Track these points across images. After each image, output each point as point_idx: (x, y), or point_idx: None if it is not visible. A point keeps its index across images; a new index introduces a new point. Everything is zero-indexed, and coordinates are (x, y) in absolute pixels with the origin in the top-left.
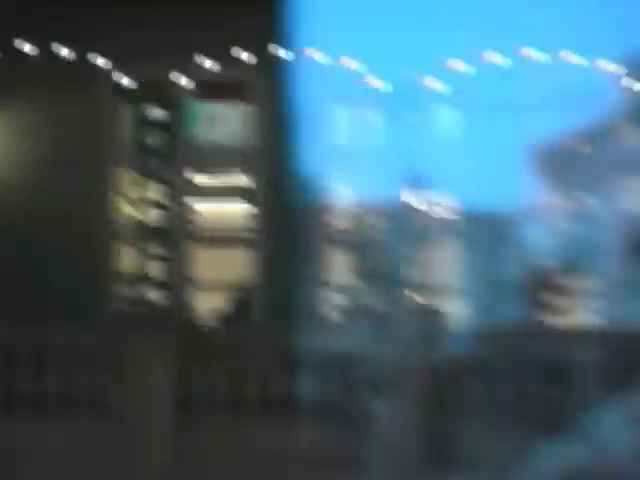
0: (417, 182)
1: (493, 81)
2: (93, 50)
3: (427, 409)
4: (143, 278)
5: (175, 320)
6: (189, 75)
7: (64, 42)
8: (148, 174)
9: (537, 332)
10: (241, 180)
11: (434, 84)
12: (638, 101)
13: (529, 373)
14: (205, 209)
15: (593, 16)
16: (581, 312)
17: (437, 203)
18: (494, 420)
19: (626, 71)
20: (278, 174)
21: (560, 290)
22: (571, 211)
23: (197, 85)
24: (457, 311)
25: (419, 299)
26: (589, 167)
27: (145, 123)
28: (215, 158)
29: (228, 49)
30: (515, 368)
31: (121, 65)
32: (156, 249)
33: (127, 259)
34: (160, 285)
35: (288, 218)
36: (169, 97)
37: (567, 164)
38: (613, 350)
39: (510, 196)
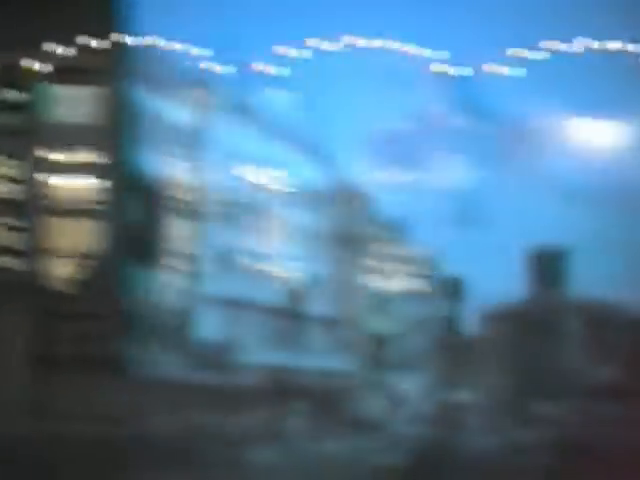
0: (253, 159)
1: (326, 67)
2: None
3: None
4: (2, 248)
5: (31, 286)
6: (44, 61)
7: None
8: (5, 153)
9: None
10: (92, 157)
11: (269, 69)
12: (460, 86)
13: None
14: (59, 183)
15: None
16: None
17: (271, 179)
18: None
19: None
20: (125, 151)
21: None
22: (399, 184)
23: (51, 70)
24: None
25: (253, 263)
26: (415, 146)
27: (2, 105)
28: (68, 137)
29: (80, 37)
30: None
31: None
32: (14, 221)
33: None
34: (18, 254)
35: (135, 192)
36: (25, 81)
37: (395, 143)
38: None
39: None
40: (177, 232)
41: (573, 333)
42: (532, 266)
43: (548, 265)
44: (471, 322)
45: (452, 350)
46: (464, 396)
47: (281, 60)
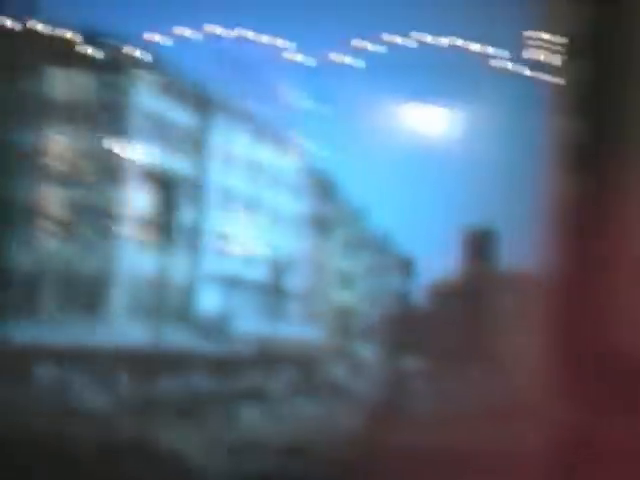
0: (119, 133)
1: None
2: None
3: None
4: None
5: None
6: None
7: None
8: None
9: None
10: None
11: (136, 53)
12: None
13: None
14: None
15: None
16: None
17: (137, 153)
18: None
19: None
20: None
21: None
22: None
23: None
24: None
25: (117, 226)
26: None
27: None
28: None
29: None
30: None
31: None
32: None
33: None
34: None
35: (6, 160)
36: None
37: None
38: None
39: None
40: (50, 199)
41: (502, 304)
42: (466, 244)
43: (480, 243)
44: (419, 296)
45: (403, 321)
46: (413, 362)
47: (148, 46)
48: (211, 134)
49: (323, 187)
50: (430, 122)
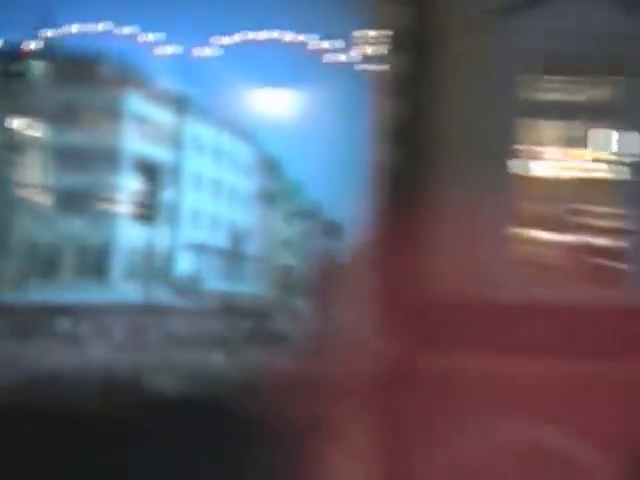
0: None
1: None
2: None
3: None
4: None
5: None
6: None
7: None
8: None
9: None
10: None
11: (33, 45)
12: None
13: None
14: None
15: None
16: None
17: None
18: None
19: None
20: None
21: None
22: None
23: None
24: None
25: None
26: None
27: None
28: None
29: None
30: None
31: None
32: None
33: None
34: None
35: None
36: None
37: None
38: None
39: None
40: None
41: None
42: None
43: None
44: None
45: (332, 276)
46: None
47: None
48: (185, 127)
49: (268, 167)
50: (282, 107)
